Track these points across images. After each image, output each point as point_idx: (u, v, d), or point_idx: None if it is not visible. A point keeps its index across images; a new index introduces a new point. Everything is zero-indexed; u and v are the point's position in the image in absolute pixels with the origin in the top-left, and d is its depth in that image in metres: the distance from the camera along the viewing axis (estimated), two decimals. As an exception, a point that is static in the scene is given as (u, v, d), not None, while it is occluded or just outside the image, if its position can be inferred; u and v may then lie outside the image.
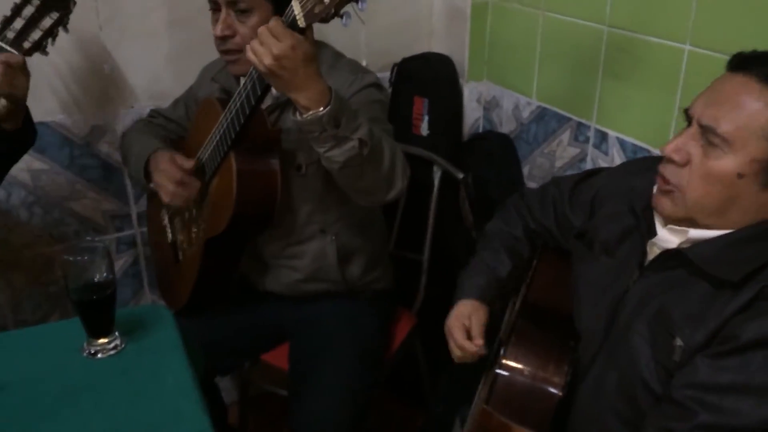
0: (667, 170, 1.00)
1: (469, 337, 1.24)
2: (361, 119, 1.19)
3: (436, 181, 1.85)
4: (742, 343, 0.90)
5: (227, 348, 1.61)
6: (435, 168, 1.85)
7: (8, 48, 1.29)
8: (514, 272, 1.32)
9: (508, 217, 1.40)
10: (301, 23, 1.09)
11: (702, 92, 0.99)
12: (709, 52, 1.34)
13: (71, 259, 1.09)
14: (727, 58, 1.28)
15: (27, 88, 1.30)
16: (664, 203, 1.01)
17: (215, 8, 1.39)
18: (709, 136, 0.94)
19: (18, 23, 1.30)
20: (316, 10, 1.05)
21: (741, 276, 0.93)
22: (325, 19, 1.06)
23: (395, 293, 1.76)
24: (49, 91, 1.68)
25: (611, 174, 1.26)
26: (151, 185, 1.51)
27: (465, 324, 1.25)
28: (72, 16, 1.56)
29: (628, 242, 1.12)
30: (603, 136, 1.64)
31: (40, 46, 1.33)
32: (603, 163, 1.65)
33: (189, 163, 1.45)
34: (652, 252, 1.06)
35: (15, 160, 1.45)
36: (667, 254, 1.03)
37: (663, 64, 1.44)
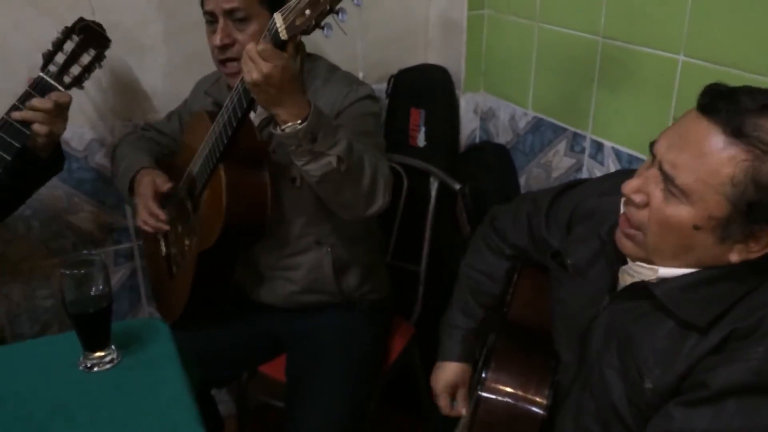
0: (629, 210, 0.96)
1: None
2: (341, 135, 1.21)
3: (433, 192, 1.85)
4: (714, 391, 0.87)
5: (224, 360, 1.61)
6: (432, 179, 1.86)
7: (54, 83, 1.37)
8: (487, 314, 1.38)
9: (479, 250, 1.40)
10: (283, 36, 1.10)
11: (668, 129, 0.93)
12: (702, 62, 1.34)
13: (68, 272, 1.09)
14: (719, 68, 1.30)
15: (66, 123, 1.39)
16: (625, 245, 0.98)
17: (212, 20, 1.40)
18: (668, 183, 0.89)
19: (59, 58, 1.38)
20: (298, 23, 1.07)
21: (709, 320, 0.90)
22: (306, 31, 1.07)
23: (392, 303, 1.76)
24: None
25: (586, 190, 1.21)
26: (135, 200, 1.53)
27: (450, 391, 1.37)
28: (70, 30, 1.58)
29: (597, 266, 1.09)
30: (599, 147, 1.64)
31: (79, 82, 1.41)
32: (599, 173, 1.65)
33: (166, 186, 1.48)
34: (624, 279, 1.03)
35: (42, 184, 1.54)
36: (636, 286, 1.00)
37: (657, 74, 1.44)
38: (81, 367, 1.15)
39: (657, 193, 0.91)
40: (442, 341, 1.40)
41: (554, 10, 1.70)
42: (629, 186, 0.94)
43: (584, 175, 1.70)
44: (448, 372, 1.37)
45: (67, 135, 1.71)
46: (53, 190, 1.76)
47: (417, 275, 1.87)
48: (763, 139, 0.82)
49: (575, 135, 1.71)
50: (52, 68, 1.38)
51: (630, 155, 1.56)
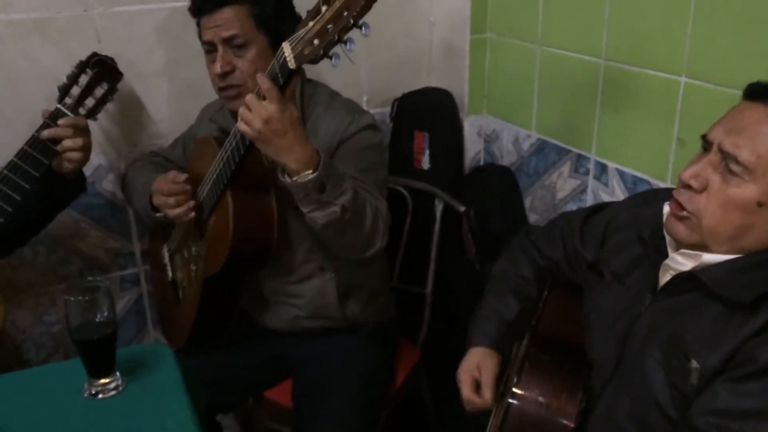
0: (682, 196, 0.99)
1: (479, 386, 1.25)
2: (347, 185, 1.23)
3: (438, 215, 1.85)
4: (760, 366, 0.89)
5: (229, 385, 1.60)
6: (437, 201, 1.86)
7: (69, 113, 1.41)
8: (521, 314, 1.32)
9: (514, 256, 1.40)
10: (292, 65, 1.12)
11: (720, 119, 0.99)
12: (704, 83, 1.35)
13: (72, 298, 1.10)
14: (721, 89, 1.31)
15: (91, 146, 1.43)
16: (678, 228, 1.01)
17: (211, 49, 1.41)
18: (729, 163, 0.94)
19: (75, 90, 1.44)
20: (306, 52, 1.08)
21: (753, 297, 0.93)
22: (314, 60, 1.08)
23: (397, 326, 1.75)
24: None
25: (618, 207, 1.27)
26: (158, 215, 1.52)
27: (474, 375, 1.26)
28: (77, 57, 1.60)
29: (638, 270, 1.12)
30: (603, 168, 1.64)
31: (94, 113, 1.47)
32: (604, 195, 1.65)
33: (181, 176, 1.45)
34: (665, 275, 1.06)
35: (66, 206, 1.58)
36: (680, 278, 1.02)
37: (660, 95, 1.45)
38: (85, 394, 1.15)
39: (715, 177, 0.96)
40: (473, 330, 1.33)
41: (556, 33, 1.72)
42: (688, 172, 0.98)
43: (589, 196, 1.70)
44: (473, 356, 1.29)
45: (73, 161, 1.74)
46: (60, 216, 1.76)
47: (423, 298, 1.86)
48: None
49: (579, 156, 1.71)
50: (68, 100, 1.43)
51: (634, 176, 1.55)
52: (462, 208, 1.83)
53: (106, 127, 1.76)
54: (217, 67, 1.39)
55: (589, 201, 1.70)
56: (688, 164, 0.99)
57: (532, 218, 1.93)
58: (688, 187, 0.98)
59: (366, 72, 2.00)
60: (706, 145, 0.99)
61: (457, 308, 1.96)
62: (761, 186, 0.93)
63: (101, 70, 1.45)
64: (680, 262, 1.02)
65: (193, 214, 1.45)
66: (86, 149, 1.41)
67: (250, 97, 1.17)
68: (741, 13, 1.26)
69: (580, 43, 1.64)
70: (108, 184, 1.81)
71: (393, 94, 2.03)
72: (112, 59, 1.48)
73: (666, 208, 1.04)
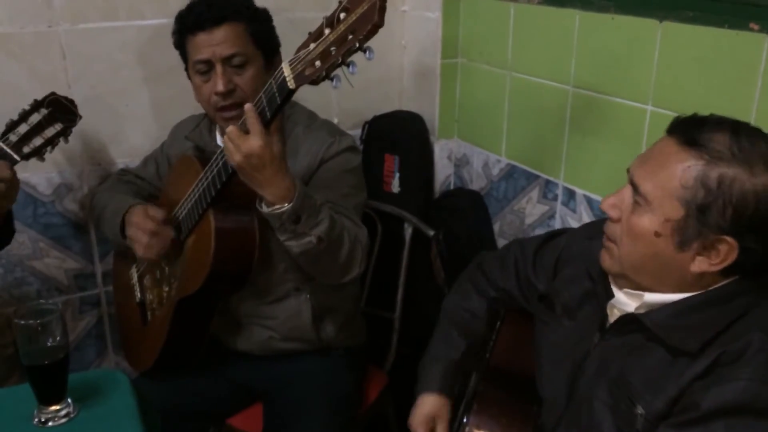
0: (606, 224, 1.03)
1: None
2: (323, 215, 1.26)
3: (408, 238, 1.84)
4: (702, 412, 0.89)
5: (190, 412, 1.56)
6: (406, 225, 1.85)
7: (9, 150, 1.36)
8: (469, 350, 1.33)
9: (464, 290, 1.40)
10: (291, 85, 1.11)
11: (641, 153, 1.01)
12: (670, 112, 1.36)
13: (22, 322, 1.06)
14: (687, 118, 1.32)
15: (15, 197, 1.36)
16: (603, 257, 1.04)
17: (206, 69, 1.39)
18: (635, 194, 0.97)
19: (22, 128, 1.38)
20: (307, 72, 1.07)
21: (698, 346, 0.93)
22: (315, 82, 1.08)
23: (367, 349, 1.73)
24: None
25: (571, 236, 1.27)
26: (127, 241, 1.48)
27: (429, 427, 1.28)
28: (41, 73, 1.57)
29: (587, 306, 1.12)
30: (571, 194, 1.65)
31: (39, 153, 1.41)
32: (572, 221, 1.65)
33: (161, 214, 1.43)
34: (612, 314, 1.06)
35: None
36: (625, 318, 1.03)
37: (627, 123, 1.46)
38: (35, 422, 1.10)
39: (629, 207, 0.98)
40: (422, 375, 1.34)
41: (525, 59, 1.73)
42: (606, 202, 1.01)
43: (557, 222, 1.71)
44: (426, 404, 1.29)
45: (34, 179, 1.71)
46: (18, 235, 1.71)
47: (391, 323, 1.85)
48: (713, 147, 0.90)
49: (548, 182, 1.72)
50: (12, 137, 1.37)
51: (601, 203, 1.56)
52: (431, 232, 1.82)
53: (68, 145, 1.70)
54: (220, 86, 1.37)
55: (557, 227, 1.70)
56: (611, 193, 1.02)
57: (501, 243, 1.92)
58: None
59: (337, 94, 2.00)
60: (629, 175, 1.01)
61: (425, 333, 1.92)
62: (657, 216, 0.94)
63: (56, 110, 1.41)
64: (624, 302, 1.03)
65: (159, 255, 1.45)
66: (4, 197, 1.33)
67: (231, 129, 1.19)
68: (705, 45, 1.28)
69: (549, 70, 1.65)
70: (69, 204, 1.77)
71: (364, 117, 2.03)
72: (71, 101, 1.43)
73: None
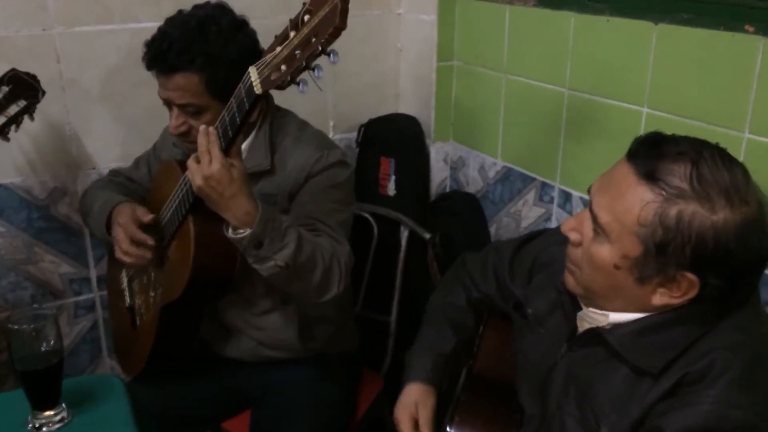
0: (569, 248, 1.00)
1: (417, 426, 1.23)
2: (289, 239, 1.22)
3: (404, 242, 1.83)
4: None
5: (184, 417, 1.55)
6: (402, 228, 1.84)
7: None
8: (459, 345, 1.31)
9: (450, 286, 1.39)
10: (258, 90, 1.09)
11: (602, 174, 0.97)
12: (665, 114, 1.36)
13: (16, 327, 1.05)
14: (682, 120, 1.33)
15: None
16: (568, 279, 1.01)
17: (167, 104, 1.38)
18: (594, 223, 0.94)
19: None
20: (273, 77, 1.06)
21: (661, 366, 0.91)
22: (281, 87, 1.06)
23: (361, 355, 1.72)
24: (6, 153, 1.65)
25: (546, 239, 1.24)
26: (111, 238, 1.47)
27: (413, 414, 1.24)
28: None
29: (555, 315, 1.11)
30: (567, 196, 1.65)
31: (2, 132, 1.35)
32: (568, 223, 1.65)
33: (148, 216, 1.42)
34: (582, 325, 1.04)
35: None
36: (591, 332, 1.01)
37: (622, 125, 1.46)
38: (29, 427, 1.09)
39: (589, 233, 0.95)
40: (409, 365, 1.30)
41: (521, 62, 1.73)
42: (566, 225, 0.99)
43: (553, 224, 1.70)
44: (410, 393, 1.26)
45: (28, 183, 1.70)
46: (12, 240, 1.72)
47: (387, 326, 1.84)
48: (671, 183, 0.86)
49: (544, 185, 1.71)
50: None
51: (598, 205, 1.56)
52: (427, 235, 1.82)
53: (62, 148, 1.72)
54: (172, 128, 1.37)
55: (553, 229, 1.70)
56: (574, 215, 1.00)
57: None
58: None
59: (333, 97, 1.99)
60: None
61: (422, 336, 1.93)
62: (616, 249, 0.91)
63: (17, 87, 1.36)
64: (592, 317, 1.00)
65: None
66: None
67: (200, 151, 1.17)
68: (700, 47, 1.28)
69: (545, 73, 1.65)
70: (63, 208, 1.76)
71: (360, 120, 2.02)
72: (33, 77, 1.38)
73: None
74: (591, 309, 1.00)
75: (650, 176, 0.87)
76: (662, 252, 0.87)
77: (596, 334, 0.99)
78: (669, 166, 0.87)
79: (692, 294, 0.89)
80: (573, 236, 0.97)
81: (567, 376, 1.03)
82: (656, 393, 0.90)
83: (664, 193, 0.86)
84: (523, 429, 1.13)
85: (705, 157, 0.87)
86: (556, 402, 1.05)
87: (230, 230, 1.22)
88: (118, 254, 1.42)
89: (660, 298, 0.92)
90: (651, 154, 0.89)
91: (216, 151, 1.16)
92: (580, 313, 1.03)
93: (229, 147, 1.19)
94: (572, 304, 1.05)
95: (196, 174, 1.17)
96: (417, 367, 1.29)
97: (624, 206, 0.89)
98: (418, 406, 1.24)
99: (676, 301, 0.91)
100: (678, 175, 0.86)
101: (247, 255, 1.23)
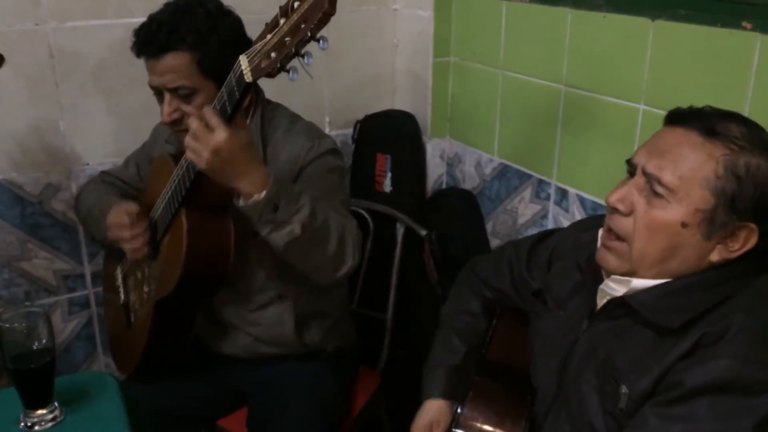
0: (613, 220, 1.01)
1: None
2: (303, 201, 1.21)
3: (400, 238, 1.83)
4: (687, 390, 0.90)
5: (180, 415, 1.54)
6: (398, 225, 1.84)
7: None
8: (470, 353, 1.33)
9: (461, 292, 1.40)
10: (248, 78, 1.09)
11: (644, 144, 1.01)
12: (662, 111, 1.34)
13: (7, 325, 1.04)
14: (680, 117, 1.31)
15: None
16: (608, 259, 1.02)
17: (158, 93, 1.36)
18: (653, 185, 0.96)
19: None
20: (263, 65, 1.05)
21: (681, 323, 0.94)
22: (271, 74, 1.06)
23: (357, 352, 1.72)
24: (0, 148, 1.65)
25: (563, 234, 1.28)
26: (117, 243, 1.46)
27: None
28: (28, 72, 1.55)
29: (578, 296, 1.13)
30: (563, 194, 1.64)
31: None
32: (564, 220, 1.65)
33: (135, 207, 1.41)
34: (601, 300, 1.06)
35: None
36: (613, 303, 1.04)
37: (619, 122, 1.46)
38: (21, 426, 1.08)
39: (641, 200, 0.97)
40: (425, 382, 1.34)
41: (518, 58, 1.72)
42: (614, 195, 0.99)
43: (550, 221, 1.70)
44: (427, 410, 1.29)
45: (21, 180, 1.69)
46: (5, 236, 1.71)
47: (383, 323, 1.83)
48: (735, 136, 0.93)
49: (540, 182, 1.71)
50: None
51: (594, 202, 1.55)
52: (424, 232, 1.81)
53: (56, 144, 1.71)
54: (165, 116, 1.34)
55: (549, 226, 1.70)
56: (614, 188, 1.01)
57: (494, 243, 1.92)
58: (616, 210, 0.99)
59: (329, 93, 1.99)
60: (631, 169, 1.00)
61: (418, 333, 1.93)
62: (684, 207, 0.94)
63: None
64: (613, 287, 1.03)
65: (146, 249, 1.42)
66: None
67: (196, 126, 1.14)
68: (697, 44, 1.28)
69: (541, 69, 1.64)
70: (57, 204, 1.75)
71: (356, 116, 2.02)
72: None
73: (601, 233, 1.05)
74: (613, 277, 1.02)
75: (712, 133, 0.93)
76: (732, 202, 0.92)
77: (619, 302, 1.02)
78: (726, 124, 0.94)
79: (750, 245, 0.94)
80: (622, 205, 0.98)
81: (588, 349, 1.05)
82: (677, 352, 0.93)
83: (731, 146, 0.93)
84: (537, 406, 1.15)
85: (745, 118, 0.96)
86: (574, 374, 1.06)
87: (241, 200, 1.19)
88: (128, 250, 1.42)
89: (719, 253, 0.96)
90: (701, 116, 0.96)
91: (217, 121, 1.13)
92: (600, 287, 1.05)
93: None
94: (594, 282, 1.08)
95: (203, 150, 1.13)
96: (432, 383, 1.32)
97: (691, 164, 0.93)
98: (433, 426, 1.27)
99: (733, 255, 0.95)
100: (735, 132, 0.93)
101: (263, 224, 1.20)
